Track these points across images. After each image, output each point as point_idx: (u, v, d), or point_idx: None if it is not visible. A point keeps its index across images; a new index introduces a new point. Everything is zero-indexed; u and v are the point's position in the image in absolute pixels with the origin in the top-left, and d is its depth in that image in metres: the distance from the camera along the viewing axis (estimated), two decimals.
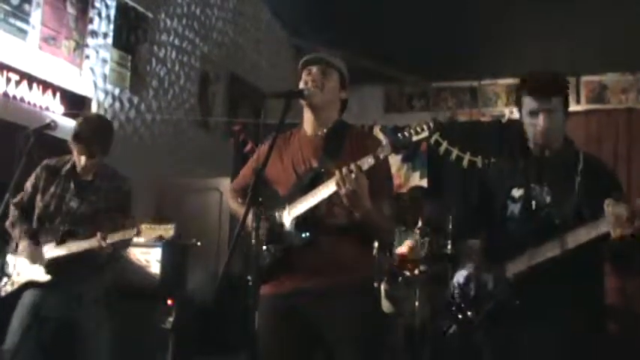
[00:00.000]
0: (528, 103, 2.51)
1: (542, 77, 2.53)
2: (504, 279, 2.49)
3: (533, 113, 2.50)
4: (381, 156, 2.30)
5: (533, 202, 2.52)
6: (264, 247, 2.52)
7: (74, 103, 5.12)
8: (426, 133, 2.24)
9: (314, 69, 2.59)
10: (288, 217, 2.49)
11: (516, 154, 2.65)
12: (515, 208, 2.57)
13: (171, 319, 4.59)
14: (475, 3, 6.65)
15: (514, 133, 2.73)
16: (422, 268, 4.97)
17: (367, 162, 2.30)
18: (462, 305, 2.63)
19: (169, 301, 4.64)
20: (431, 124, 2.25)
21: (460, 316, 2.62)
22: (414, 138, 2.26)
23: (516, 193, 2.57)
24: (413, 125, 2.27)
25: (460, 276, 2.70)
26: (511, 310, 2.46)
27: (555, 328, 2.41)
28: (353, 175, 2.26)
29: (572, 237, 2.32)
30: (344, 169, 2.28)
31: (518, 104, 2.60)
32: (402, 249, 5.10)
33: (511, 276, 2.48)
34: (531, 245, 2.43)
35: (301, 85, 2.59)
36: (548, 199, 2.50)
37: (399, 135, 2.27)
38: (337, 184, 2.29)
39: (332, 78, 2.60)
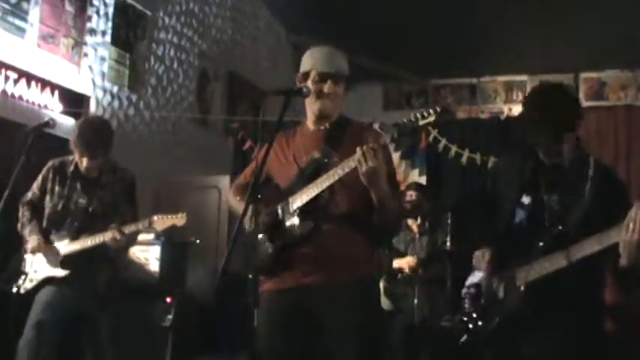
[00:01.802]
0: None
1: (546, 132, 2.47)
2: (515, 288, 2.47)
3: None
4: (387, 141, 2.32)
5: (543, 211, 2.49)
6: (266, 242, 2.53)
7: (73, 101, 5.11)
8: (432, 117, 2.24)
9: (329, 82, 2.60)
10: (291, 208, 2.50)
11: (524, 158, 2.62)
12: (524, 216, 2.54)
13: (170, 316, 4.59)
14: (474, 0, 6.64)
15: (520, 135, 2.69)
16: (421, 271, 4.97)
17: (386, 139, 2.31)
18: (474, 315, 2.61)
19: (168, 299, 4.64)
20: (438, 108, 2.24)
21: (471, 326, 2.60)
22: (421, 122, 2.26)
23: (526, 200, 2.54)
24: (419, 110, 2.28)
25: (471, 285, 2.67)
26: (521, 319, 2.44)
27: (563, 335, 2.39)
28: (373, 150, 2.27)
29: (578, 249, 2.29)
30: (365, 146, 2.28)
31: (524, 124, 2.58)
32: (401, 263, 5.06)
33: (522, 285, 2.45)
34: (540, 253, 2.41)
35: (309, 86, 2.59)
36: (557, 208, 2.47)
37: (405, 120, 2.27)
38: (358, 161, 2.29)
39: (342, 86, 2.63)
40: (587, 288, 2.40)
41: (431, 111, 2.24)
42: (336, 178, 2.38)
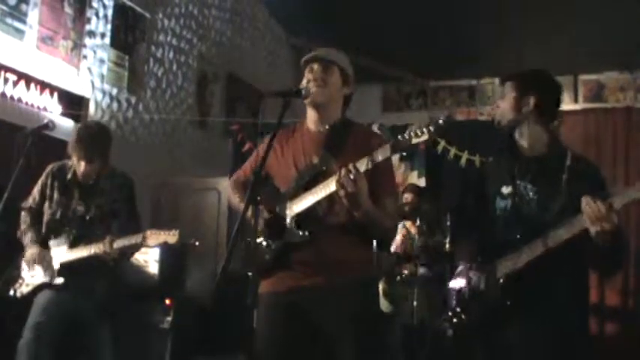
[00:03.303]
0: None
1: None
2: (495, 279, 2.50)
3: None
4: (379, 158, 2.31)
5: (521, 201, 2.54)
6: (265, 244, 2.53)
7: (72, 103, 5.11)
8: (425, 136, 2.24)
9: (315, 66, 2.60)
10: (288, 214, 2.49)
11: (506, 152, 2.69)
12: (503, 205, 2.59)
13: (169, 319, 4.59)
14: (474, 2, 6.65)
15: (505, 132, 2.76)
16: (421, 270, 4.96)
17: (365, 164, 2.31)
18: (458, 309, 2.62)
19: (168, 301, 4.64)
20: (431, 128, 2.24)
21: (455, 320, 2.62)
22: (414, 141, 2.26)
23: (505, 190, 2.59)
24: (413, 128, 2.27)
25: (457, 279, 2.69)
26: (502, 310, 2.46)
27: (546, 326, 2.41)
28: (352, 176, 2.27)
29: (554, 235, 2.34)
30: (342, 171, 2.28)
31: None
32: (397, 238, 5.07)
33: (501, 276, 2.48)
34: (520, 244, 2.44)
35: (304, 84, 2.59)
36: (531, 195, 2.52)
37: (399, 137, 2.28)
38: (337, 186, 2.30)
39: (333, 74, 2.61)
40: (565, 280, 2.43)
41: (424, 130, 2.24)
42: (332, 190, 2.37)
